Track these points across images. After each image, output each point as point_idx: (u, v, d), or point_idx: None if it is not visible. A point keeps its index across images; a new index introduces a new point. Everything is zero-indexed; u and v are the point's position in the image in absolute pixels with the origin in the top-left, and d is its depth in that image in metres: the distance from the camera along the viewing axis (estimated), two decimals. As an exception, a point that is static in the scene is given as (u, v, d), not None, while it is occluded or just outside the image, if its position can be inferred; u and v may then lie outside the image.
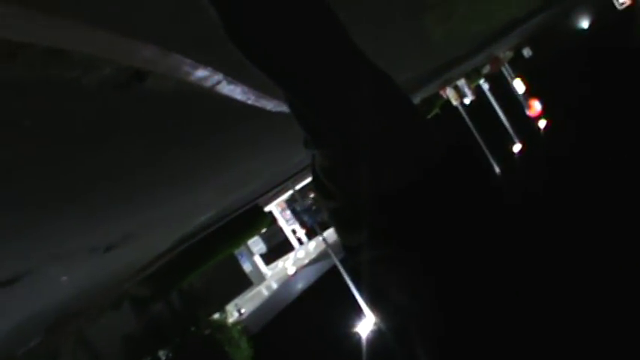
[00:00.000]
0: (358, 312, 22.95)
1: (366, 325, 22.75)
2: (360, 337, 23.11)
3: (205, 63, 3.49)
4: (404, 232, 1.11)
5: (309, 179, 28.66)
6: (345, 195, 1.18)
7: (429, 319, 1.14)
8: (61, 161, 2.77)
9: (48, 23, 1.76)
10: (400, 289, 1.17)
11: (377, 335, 20.70)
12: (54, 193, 3.14)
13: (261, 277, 31.12)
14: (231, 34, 1.07)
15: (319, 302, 27.79)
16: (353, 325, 23.81)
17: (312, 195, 30.94)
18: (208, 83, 3.77)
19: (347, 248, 1.23)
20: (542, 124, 40.95)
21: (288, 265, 31.52)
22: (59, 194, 3.16)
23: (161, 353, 25.92)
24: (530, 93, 42.34)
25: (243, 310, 30.14)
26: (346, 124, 1.11)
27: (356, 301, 21.25)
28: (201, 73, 3.52)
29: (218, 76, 3.87)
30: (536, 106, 40.39)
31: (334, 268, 25.48)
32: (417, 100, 28.62)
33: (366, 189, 1.13)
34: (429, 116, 34.97)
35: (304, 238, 32.27)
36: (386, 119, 1.11)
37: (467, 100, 36.64)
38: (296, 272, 30.41)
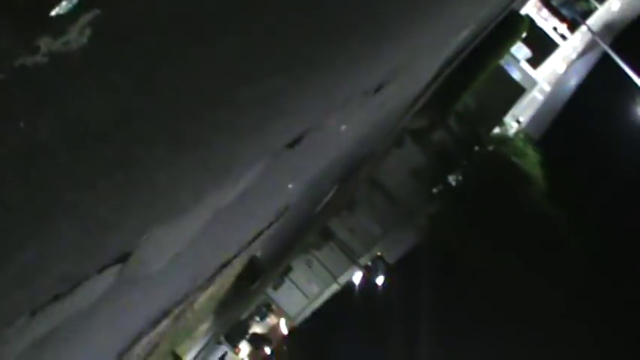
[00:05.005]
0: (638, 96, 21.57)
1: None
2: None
3: None
4: None
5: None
6: None
7: None
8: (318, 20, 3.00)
9: None
10: None
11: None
12: (320, 46, 3.39)
13: (532, 82, 30.64)
14: None
15: (597, 94, 26.64)
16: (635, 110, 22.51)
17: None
18: None
19: None
20: None
21: (556, 63, 30.50)
22: (326, 46, 3.63)
23: (451, 179, 27.40)
24: None
25: (521, 119, 30.16)
26: None
27: (635, 85, 19.95)
28: None
29: None
30: None
31: (604, 55, 23.96)
32: None
33: None
34: None
35: (567, 33, 30.67)
36: None
37: None
38: (566, 69, 29.31)
